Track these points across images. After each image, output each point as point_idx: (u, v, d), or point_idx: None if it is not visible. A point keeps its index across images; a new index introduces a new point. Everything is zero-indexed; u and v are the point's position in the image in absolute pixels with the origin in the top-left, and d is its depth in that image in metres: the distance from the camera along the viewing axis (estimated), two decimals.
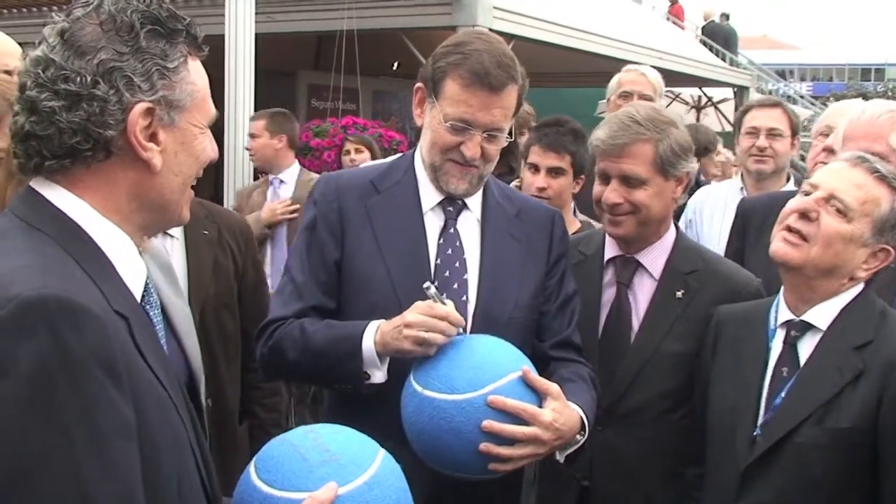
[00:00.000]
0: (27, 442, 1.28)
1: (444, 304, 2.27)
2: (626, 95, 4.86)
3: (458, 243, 2.53)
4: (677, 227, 2.90)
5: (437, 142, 2.47)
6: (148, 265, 1.69)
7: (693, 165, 2.78)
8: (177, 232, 3.37)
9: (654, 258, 2.81)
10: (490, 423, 2.13)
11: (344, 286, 2.52)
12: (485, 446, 2.13)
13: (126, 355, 1.40)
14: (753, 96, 14.86)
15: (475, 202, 2.58)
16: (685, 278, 2.77)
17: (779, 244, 2.44)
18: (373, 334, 2.32)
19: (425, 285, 2.28)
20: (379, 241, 2.49)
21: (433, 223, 2.54)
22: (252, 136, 5.83)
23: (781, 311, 2.47)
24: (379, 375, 2.34)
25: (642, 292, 2.80)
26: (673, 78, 13.25)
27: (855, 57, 69.65)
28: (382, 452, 1.80)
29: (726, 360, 2.55)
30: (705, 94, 15.08)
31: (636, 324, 2.78)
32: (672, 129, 2.73)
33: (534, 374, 2.24)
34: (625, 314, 2.79)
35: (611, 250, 2.87)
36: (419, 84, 2.52)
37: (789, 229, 2.43)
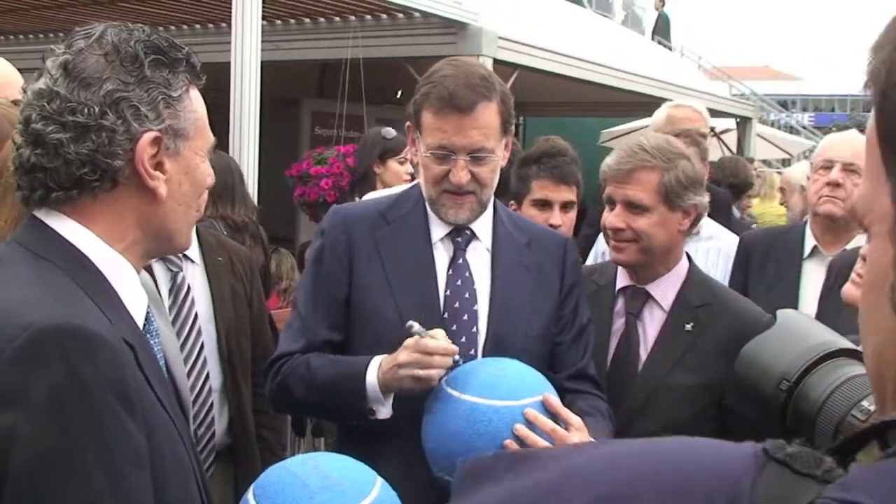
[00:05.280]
0: (44, 473, 1.27)
1: (432, 338, 2.25)
2: (682, 134, 4.48)
3: (467, 274, 2.52)
4: (690, 260, 2.89)
5: (427, 174, 2.49)
6: None
7: (702, 199, 2.77)
8: (196, 257, 3.42)
9: (665, 290, 2.80)
10: (523, 429, 2.14)
11: (352, 319, 2.51)
12: (509, 443, 2.13)
13: (137, 384, 1.40)
14: (756, 127, 14.90)
15: (485, 232, 2.58)
16: (696, 311, 2.76)
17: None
18: (375, 371, 2.31)
19: (407, 324, 2.27)
20: (387, 274, 2.49)
21: (442, 254, 2.54)
22: None
23: None
24: (384, 411, 2.34)
25: (651, 323, 2.79)
26: None
27: (857, 88, 69.66)
28: (380, 480, 1.82)
29: None
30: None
31: (644, 354, 2.77)
32: (681, 161, 2.73)
33: (557, 403, 2.23)
34: (633, 344, 2.78)
35: (622, 280, 2.86)
36: (408, 123, 2.55)
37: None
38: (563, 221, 3.46)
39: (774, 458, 0.74)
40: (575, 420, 2.23)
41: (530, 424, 2.16)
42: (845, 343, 1.57)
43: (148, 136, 1.52)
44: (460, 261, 2.54)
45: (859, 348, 1.57)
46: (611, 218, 2.76)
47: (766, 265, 3.68)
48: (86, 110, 1.49)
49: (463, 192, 2.46)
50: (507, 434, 2.14)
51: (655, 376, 2.73)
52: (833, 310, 3.18)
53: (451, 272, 2.52)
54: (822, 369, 1.52)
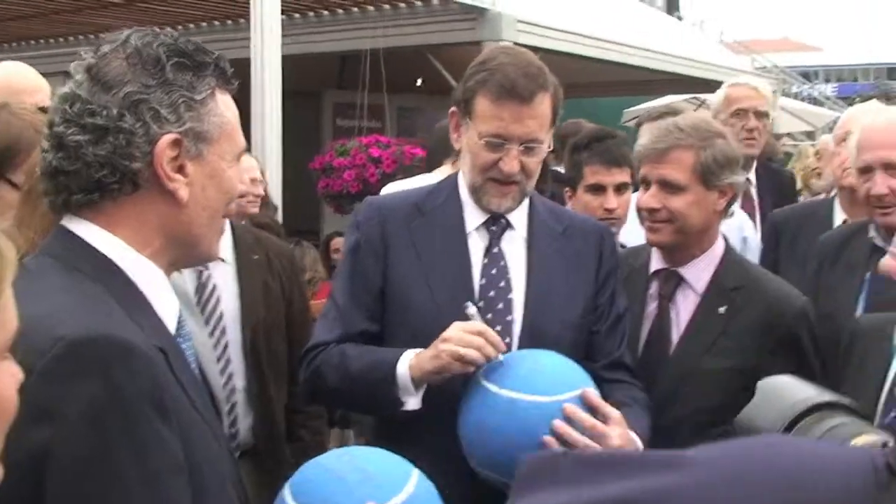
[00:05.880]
0: (83, 485, 1.28)
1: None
2: (740, 114, 4.48)
3: (502, 263, 2.51)
4: (727, 241, 2.86)
5: (475, 162, 2.47)
6: None
7: (739, 179, 2.74)
8: (228, 256, 3.43)
9: (699, 272, 2.77)
10: (562, 425, 2.13)
11: (388, 310, 2.51)
12: (549, 440, 2.12)
13: (170, 391, 1.40)
14: (780, 100, 14.75)
15: (520, 221, 2.57)
16: (730, 294, 2.73)
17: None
18: (408, 360, 2.31)
19: (465, 305, 2.28)
20: (422, 265, 2.48)
21: (477, 244, 2.53)
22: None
23: None
24: (412, 402, 2.32)
25: (685, 307, 2.77)
26: (698, 85, 13.20)
27: (880, 56, 69.09)
28: (417, 472, 1.82)
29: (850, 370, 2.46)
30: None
31: (676, 338, 2.75)
32: (717, 140, 2.70)
33: (597, 397, 2.22)
34: (666, 328, 2.76)
35: (656, 262, 2.83)
36: (453, 108, 2.53)
37: None
38: (619, 204, 3.44)
39: None
40: (614, 414, 2.21)
41: (569, 420, 2.15)
42: (826, 396, 1.60)
43: (167, 139, 1.51)
44: (495, 249, 2.53)
45: (839, 399, 1.60)
46: (646, 198, 2.73)
47: (798, 243, 3.63)
48: (104, 112, 1.49)
49: (510, 181, 2.45)
50: (546, 430, 2.13)
51: (688, 361, 2.70)
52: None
53: (486, 261, 2.51)
54: (802, 426, 1.56)
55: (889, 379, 2.34)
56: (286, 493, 1.79)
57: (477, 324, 2.26)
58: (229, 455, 1.64)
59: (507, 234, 2.55)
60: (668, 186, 2.69)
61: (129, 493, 1.30)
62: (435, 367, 2.26)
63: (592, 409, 2.20)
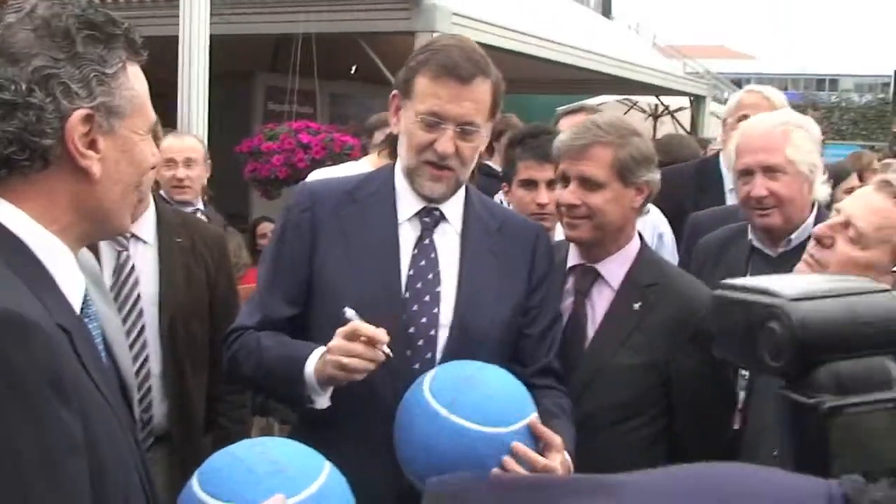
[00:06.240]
0: None
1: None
2: (744, 120, 4.40)
3: (432, 255, 2.49)
4: (642, 239, 2.89)
5: (411, 142, 2.45)
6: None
7: (655, 177, 2.78)
8: (150, 238, 3.37)
9: (615, 268, 2.80)
10: (512, 463, 2.10)
11: (312, 298, 2.48)
12: (496, 472, 2.08)
13: (72, 371, 1.36)
14: (710, 105, 15.00)
15: (455, 214, 2.55)
16: (644, 291, 2.76)
17: (798, 267, 2.45)
18: (314, 362, 2.28)
19: (343, 310, 2.24)
20: (349, 253, 2.46)
21: (409, 234, 2.50)
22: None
23: None
24: (321, 401, 2.31)
25: (600, 302, 2.79)
26: (630, 86, 13.36)
27: (809, 67, 70.97)
28: (329, 464, 1.80)
29: None
30: (662, 103, 15.20)
31: (591, 333, 2.77)
32: (633, 138, 2.73)
33: (540, 426, 2.19)
34: (581, 323, 2.78)
35: (573, 258, 2.85)
36: (394, 91, 2.52)
37: (810, 255, 2.43)
38: (551, 199, 3.36)
39: None
40: (556, 441, 2.20)
41: (517, 457, 2.12)
42: None
43: (78, 114, 1.47)
44: (426, 241, 2.51)
45: None
46: (565, 194, 2.74)
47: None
48: (13, 87, 1.43)
49: (444, 165, 2.44)
50: (495, 462, 2.09)
51: (602, 355, 2.73)
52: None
53: (416, 252, 2.49)
54: None
55: None
56: (194, 481, 1.76)
57: (351, 324, 2.21)
58: (134, 440, 1.60)
59: (441, 227, 2.53)
60: (587, 183, 2.70)
61: (25, 474, 1.26)
62: (328, 377, 2.25)
63: (536, 437, 2.18)
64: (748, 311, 1.20)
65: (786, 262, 2.87)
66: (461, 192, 2.57)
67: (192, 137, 5.28)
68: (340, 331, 2.22)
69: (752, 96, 4.65)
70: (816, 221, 2.92)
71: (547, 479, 1.81)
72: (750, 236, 3.24)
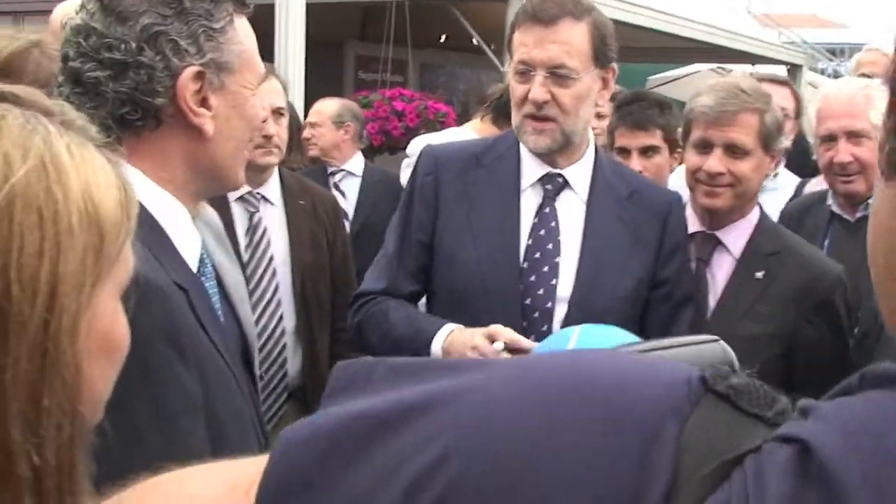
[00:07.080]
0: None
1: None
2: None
3: (553, 224, 2.43)
4: (761, 207, 2.81)
5: (513, 99, 2.41)
6: (201, 231, 1.64)
7: (787, 144, 2.72)
8: (276, 200, 3.45)
9: (736, 237, 2.71)
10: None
11: (434, 264, 2.47)
12: None
13: (188, 328, 1.35)
14: (807, 75, 14.59)
15: (581, 181, 2.47)
16: (766, 259, 2.67)
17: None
18: (442, 340, 2.28)
19: (495, 344, 2.19)
20: (470, 219, 2.42)
21: (530, 201, 2.45)
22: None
23: None
24: None
25: (721, 270, 2.70)
26: (725, 54, 13.04)
27: None
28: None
29: None
30: (758, 72, 14.85)
31: (713, 302, 2.69)
32: (772, 104, 2.65)
33: None
34: (702, 291, 2.70)
35: (692, 225, 2.75)
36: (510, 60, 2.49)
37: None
38: (645, 167, 3.35)
39: (714, 391, 0.61)
40: None
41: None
42: None
43: (189, 72, 1.45)
44: (547, 209, 2.44)
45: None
46: (710, 162, 2.62)
47: (799, 232, 3.58)
48: (123, 46, 1.43)
49: (542, 115, 2.36)
50: None
51: (725, 325, 2.62)
52: None
53: (536, 220, 2.43)
54: None
55: None
56: None
57: (521, 340, 2.20)
58: (251, 398, 1.60)
59: (565, 194, 2.46)
60: (735, 150, 2.61)
61: (143, 433, 1.27)
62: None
63: None
64: None
65: (865, 227, 2.77)
66: (589, 157, 2.49)
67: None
68: (486, 350, 2.18)
69: (871, 54, 4.58)
70: None
71: (440, 361, 1.80)
72: (829, 201, 3.21)
